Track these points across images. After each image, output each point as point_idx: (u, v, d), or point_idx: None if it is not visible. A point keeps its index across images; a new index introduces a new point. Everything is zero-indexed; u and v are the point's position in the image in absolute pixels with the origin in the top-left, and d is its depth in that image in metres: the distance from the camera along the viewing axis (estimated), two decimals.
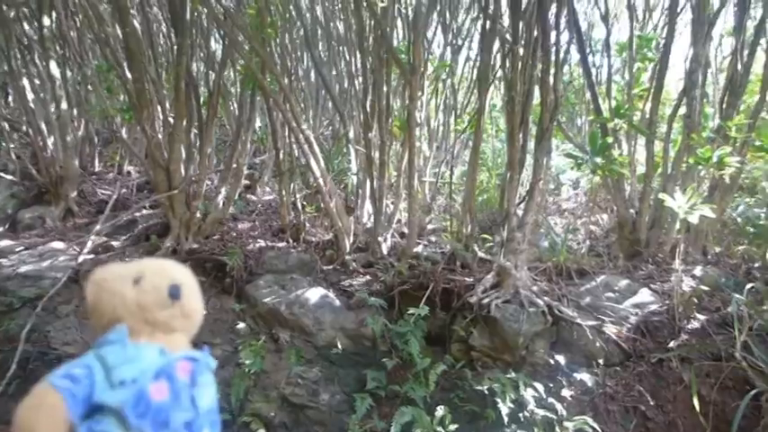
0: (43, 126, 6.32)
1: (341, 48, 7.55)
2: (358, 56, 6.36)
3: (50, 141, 6.38)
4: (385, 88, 5.16)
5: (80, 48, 6.88)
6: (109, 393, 1.17)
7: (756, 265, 4.96)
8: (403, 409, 3.78)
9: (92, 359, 1.21)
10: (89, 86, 7.15)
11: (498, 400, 3.76)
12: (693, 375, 3.72)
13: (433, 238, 5.73)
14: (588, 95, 5.75)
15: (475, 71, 6.29)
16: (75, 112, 6.95)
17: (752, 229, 5.57)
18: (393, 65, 5.16)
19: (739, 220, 5.86)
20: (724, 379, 3.71)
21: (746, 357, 3.72)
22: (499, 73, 5.43)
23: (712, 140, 4.66)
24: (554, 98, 4.48)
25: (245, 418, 3.90)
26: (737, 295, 4.07)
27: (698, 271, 4.80)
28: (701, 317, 4.24)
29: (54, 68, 6.29)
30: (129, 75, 4.97)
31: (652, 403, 3.76)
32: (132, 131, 7.52)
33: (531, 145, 4.72)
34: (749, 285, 4.25)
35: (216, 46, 7.37)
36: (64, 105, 6.33)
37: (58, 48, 6.65)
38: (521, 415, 3.77)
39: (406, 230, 5.39)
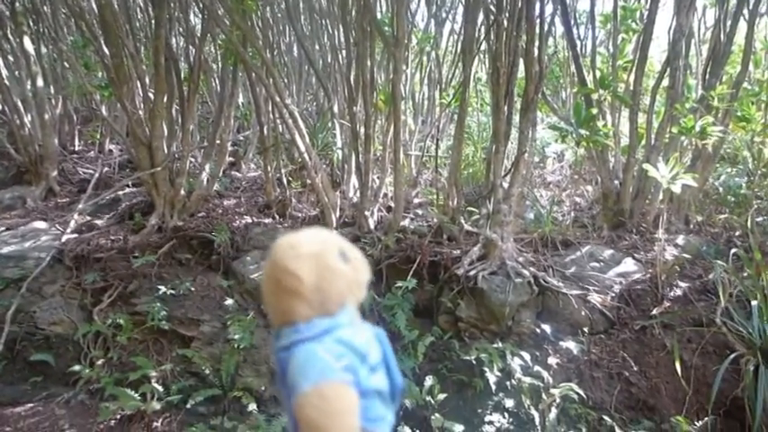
0: (20, 104, 6.17)
1: (324, 21, 7.41)
2: (341, 29, 6.26)
3: (27, 120, 6.23)
4: (369, 61, 5.10)
5: (54, 22, 6.69)
6: (372, 379, 1.14)
7: (737, 233, 5.05)
8: None
9: (341, 347, 1.10)
10: (65, 63, 6.98)
11: (486, 369, 3.82)
12: (675, 341, 3.80)
13: (419, 212, 5.74)
14: (573, 67, 5.74)
15: (459, 44, 6.23)
16: (51, 89, 6.79)
17: (733, 198, 5.66)
18: (377, 37, 5.09)
19: (721, 189, 5.95)
20: (705, 344, 3.81)
21: (727, 323, 3.82)
22: (484, 45, 5.40)
23: (695, 110, 4.69)
24: (539, 70, 4.47)
25: (236, 392, 3.93)
26: (719, 262, 4.16)
27: (680, 240, 4.88)
28: (683, 284, 4.32)
29: (28, 44, 6.11)
30: (106, 50, 4.85)
31: (635, 369, 3.85)
32: (112, 109, 7.36)
33: (517, 118, 4.72)
34: (730, 253, 4.34)
35: (195, 20, 7.21)
36: (40, 82, 6.16)
37: (31, 23, 6.45)
38: (508, 383, 3.84)
39: (392, 204, 5.39)
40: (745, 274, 4.13)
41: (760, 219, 5.23)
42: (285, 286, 1.12)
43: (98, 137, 7.47)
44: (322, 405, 1.02)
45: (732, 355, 3.58)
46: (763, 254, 4.09)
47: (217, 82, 6.80)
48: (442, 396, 3.80)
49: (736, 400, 3.50)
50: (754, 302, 3.75)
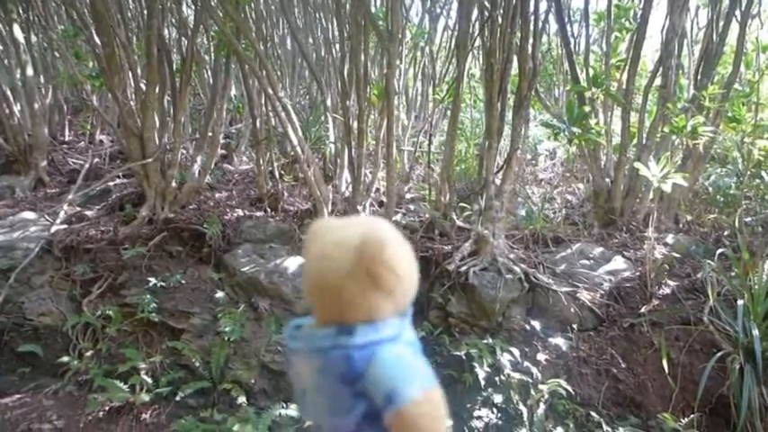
0: (9, 93, 6.09)
1: (317, 14, 7.38)
2: (335, 22, 6.23)
3: (17, 109, 6.15)
4: (362, 56, 5.08)
5: (44, 10, 6.60)
6: None
7: (726, 233, 5.10)
8: None
9: (411, 349, 1.08)
10: (56, 52, 6.89)
11: (476, 364, 3.84)
12: (663, 339, 3.84)
13: (411, 207, 5.75)
14: (566, 65, 5.76)
15: (453, 39, 6.23)
16: (41, 78, 6.71)
17: (722, 198, 5.72)
18: (371, 31, 5.07)
19: (710, 189, 6.00)
20: (692, 342, 3.85)
21: (714, 321, 3.86)
22: (478, 42, 5.40)
23: (686, 110, 4.72)
24: (532, 66, 4.48)
25: (226, 385, 3.92)
26: (708, 261, 4.20)
27: (670, 239, 4.93)
28: (672, 283, 4.36)
29: (17, 32, 6.02)
30: (97, 39, 4.80)
31: (623, 366, 3.89)
32: (103, 99, 7.29)
33: (510, 115, 4.73)
34: (718, 252, 4.38)
35: (188, 11, 7.15)
36: (30, 71, 6.08)
37: (20, 10, 6.36)
38: (497, 379, 3.86)
39: (384, 199, 5.39)
40: (733, 274, 4.17)
41: (748, 219, 5.29)
42: (384, 286, 1.05)
43: (89, 127, 7.40)
44: (434, 412, 1.00)
45: (718, 354, 3.62)
46: (751, 254, 4.14)
47: (209, 74, 6.76)
48: None
49: (721, 398, 3.55)
50: (740, 301, 3.79)
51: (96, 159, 6.59)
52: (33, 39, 6.56)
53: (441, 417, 1.00)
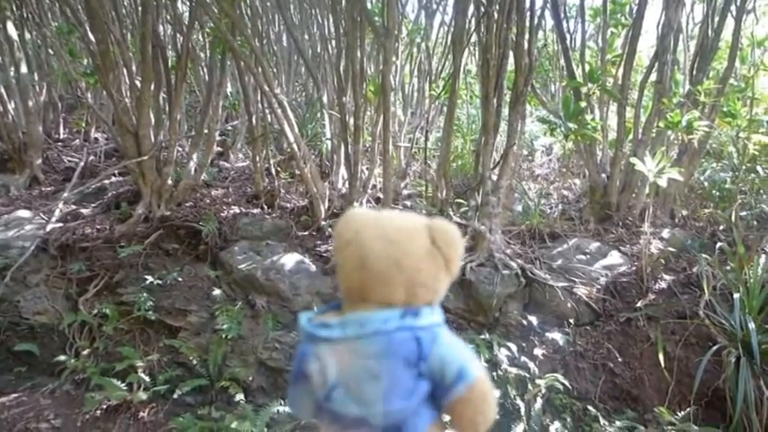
0: (2, 90, 6.06)
1: (313, 10, 7.35)
2: (331, 18, 6.21)
3: (11, 107, 6.12)
4: (359, 52, 5.07)
5: (38, 7, 6.56)
6: None
7: (721, 227, 5.12)
8: None
9: None
10: (50, 49, 6.86)
11: None
12: (659, 333, 3.86)
13: (408, 203, 5.74)
14: (562, 61, 5.76)
15: (449, 35, 6.22)
16: (36, 76, 6.67)
17: (717, 193, 5.74)
18: (367, 27, 5.06)
19: (706, 183, 6.02)
20: (688, 336, 3.87)
21: (710, 315, 3.88)
22: (474, 37, 5.39)
23: (682, 105, 4.73)
24: (528, 62, 4.48)
25: (224, 382, 3.92)
26: (703, 255, 4.21)
27: (665, 233, 4.95)
28: (668, 277, 4.38)
29: (11, 30, 5.99)
30: (91, 36, 4.77)
31: (620, 360, 3.90)
32: (98, 96, 7.26)
33: (506, 110, 4.74)
34: (714, 246, 4.40)
35: (183, 7, 7.12)
36: (24, 69, 6.05)
37: (14, 8, 6.32)
38: (494, 374, 3.87)
39: (381, 195, 5.38)
40: (729, 268, 4.19)
41: (744, 213, 5.31)
42: (453, 270, 1.13)
43: (83, 125, 7.37)
44: (491, 388, 1.11)
45: (714, 347, 3.64)
46: (747, 247, 4.16)
47: (205, 71, 6.74)
48: None
49: (717, 391, 3.57)
50: (736, 295, 3.81)
51: (91, 157, 6.57)
52: (27, 36, 6.51)
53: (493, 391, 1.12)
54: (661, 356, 3.73)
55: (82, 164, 6.17)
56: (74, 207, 5.37)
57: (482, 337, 4.01)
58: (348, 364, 1.07)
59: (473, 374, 1.06)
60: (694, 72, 5.14)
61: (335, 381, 1.08)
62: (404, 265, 1.08)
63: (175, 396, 3.84)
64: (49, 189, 5.97)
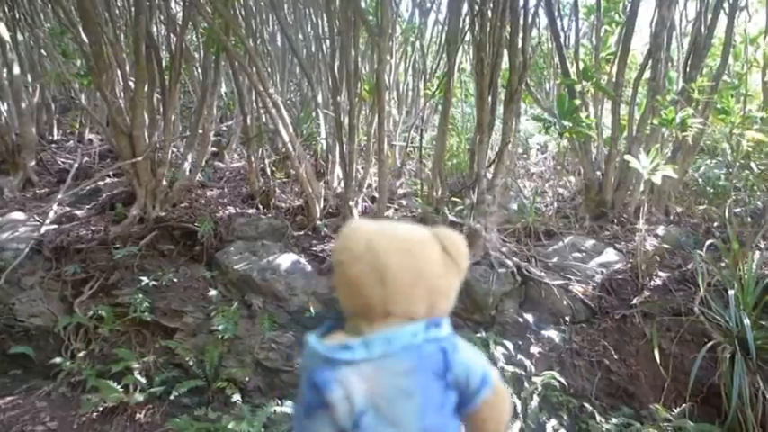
0: None
1: (307, 9, 7.34)
2: (325, 18, 6.20)
3: (4, 108, 6.09)
4: (353, 51, 5.07)
5: (31, 8, 6.53)
6: None
7: (716, 224, 5.14)
8: None
9: None
10: (43, 50, 6.82)
11: None
12: (655, 330, 3.87)
13: (403, 202, 5.75)
14: (556, 59, 5.77)
15: (444, 34, 6.22)
16: (29, 77, 6.64)
17: (712, 190, 5.76)
18: (361, 27, 5.06)
19: (700, 180, 6.04)
20: (683, 333, 3.89)
21: (704, 312, 3.89)
22: (468, 36, 5.39)
23: (676, 102, 4.75)
24: (522, 60, 4.49)
25: (220, 383, 3.91)
26: (698, 252, 4.23)
27: (660, 230, 4.96)
28: (663, 274, 4.40)
29: (3, 31, 5.96)
30: (84, 37, 4.75)
31: (616, 357, 3.92)
32: (92, 97, 7.23)
33: (501, 109, 4.74)
34: (708, 243, 4.42)
35: (177, 7, 7.09)
36: (16, 70, 6.02)
37: (6, 8, 6.29)
38: None
39: (376, 195, 5.38)
40: (723, 264, 4.21)
41: (738, 210, 5.33)
42: (462, 275, 1.14)
43: (77, 126, 7.34)
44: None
45: (709, 344, 3.65)
46: (741, 244, 4.18)
47: (199, 71, 6.72)
48: None
49: (712, 387, 3.58)
50: (731, 291, 3.83)
51: (86, 158, 6.54)
52: (20, 37, 6.49)
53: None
54: (656, 353, 3.75)
55: (76, 165, 6.15)
56: (68, 209, 5.35)
57: (478, 335, 4.01)
58: (377, 385, 1.00)
59: (492, 379, 1.10)
60: (688, 69, 5.16)
61: (364, 406, 0.99)
62: (426, 276, 1.05)
63: (172, 397, 3.83)
64: (43, 191, 5.94)
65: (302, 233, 5.05)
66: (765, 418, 3.36)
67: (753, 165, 5.42)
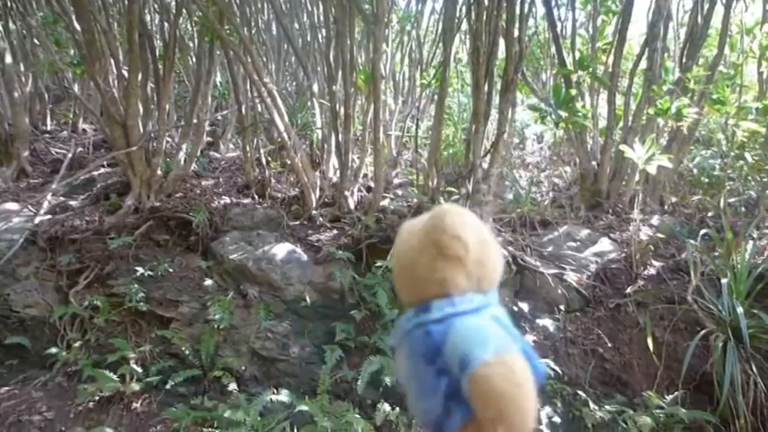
0: None
1: None
2: (320, 6, 6.16)
3: None
4: (349, 40, 5.04)
5: None
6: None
7: (710, 213, 5.17)
8: (372, 358, 3.87)
9: (498, 325, 1.03)
10: (35, 39, 6.76)
11: None
12: (648, 319, 3.90)
13: (399, 192, 5.75)
14: (553, 49, 5.75)
15: (440, 23, 6.19)
16: (21, 66, 6.58)
17: (706, 180, 5.78)
18: (357, 15, 5.03)
19: (695, 171, 6.06)
20: (676, 321, 3.92)
21: (698, 300, 3.92)
22: (465, 26, 5.37)
23: (672, 92, 4.75)
24: (519, 49, 4.47)
25: (216, 372, 3.93)
26: (692, 241, 4.25)
27: (655, 220, 4.98)
28: (657, 263, 4.42)
29: None
30: (77, 26, 4.71)
31: (610, 346, 3.95)
32: (85, 87, 7.18)
33: (497, 98, 4.73)
34: (702, 232, 4.44)
35: None
36: (8, 59, 5.96)
37: None
38: None
39: (372, 184, 5.38)
40: (716, 254, 4.23)
41: (732, 200, 5.36)
42: (449, 253, 1.05)
43: (71, 116, 7.29)
44: (509, 374, 0.93)
45: (702, 332, 3.68)
46: (734, 233, 4.20)
47: (193, 60, 6.67)
48: None
49: (705, 375, 3.62)
50: (724, 280, 3.85)
51: (79, 148, 6.51)
52: (12, 26, 6.42)
53: (520, 382, 0.93)
54: (650, 341, 3.78)
55: (70, 155, 6.12)
56: (62, 199, 5.33)
57: None
58: (398, 368, 1.13)
59: (473, 364, 0.94)
60: (684, 59, 5.16)
61: (405, 385, 1.12)
62: (403, 264, 1.10)
63: (168, 386, 3.84)
64: (36, 181, 5.91)
65: (298, 223, 5.05)
66: (756, 405, 3.39)
67: (747, 155, 5.43)
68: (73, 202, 5.25)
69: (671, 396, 3.52)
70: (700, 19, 5.11)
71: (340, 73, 5.10)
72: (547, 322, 4.11)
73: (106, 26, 4.99)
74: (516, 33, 4.46)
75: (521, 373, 0.94)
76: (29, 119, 6.47)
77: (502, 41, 4.56)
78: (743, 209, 5.26)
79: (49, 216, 4.91)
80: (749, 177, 5.53)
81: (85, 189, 5.58)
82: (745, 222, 4.64)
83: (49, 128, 7.19)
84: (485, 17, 4.41)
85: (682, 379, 3.58)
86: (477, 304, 1.04)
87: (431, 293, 1.06)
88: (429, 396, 1.03)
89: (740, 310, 3.61)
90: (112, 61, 5.10)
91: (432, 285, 1.06)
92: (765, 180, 5.13)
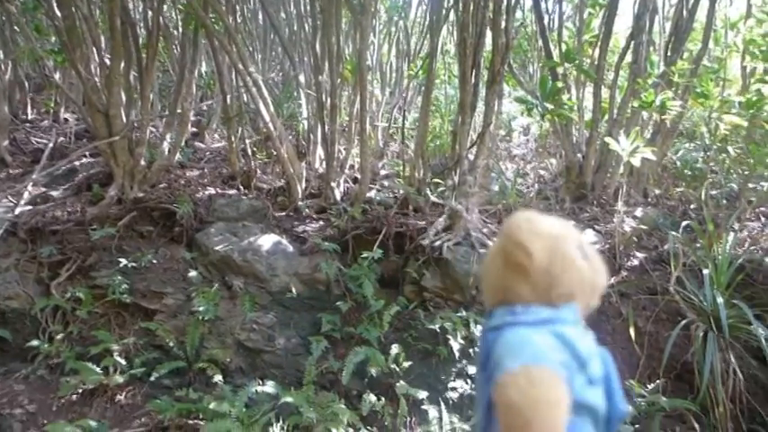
0: None
1: None
2: None
3: None
4: (335, 30, 5.00)
5: None
6: (589, 392, 0.99)
7: (692, 206, 5.23)
8: (357, 349, 3.87)
9: (559, 342, 0.97)
10: (15, 26, 6.61)
11: (450, 337, 3.90)
12: (631, 309, 3.95)
13: (385, 183, 5.74)
14: (540, 41, 5.76)
15: (428, 15, 6.16)
16: (1, 54, 6.44)
17: (689, 172, 5.84)
18: (343, 5, 4.99)
19: (678, 163, 6.12)
20: (658, 311, 3.97)
21: (679, 291, 3.98)
22: (452, 17, 5.35)
23: (656, 85, 4.78)
24: (505, 41, 4.47)
25: (201, 364, 3.91)
26: (674, 233, 4.30)
27: (638, 212, 5.03)
28: (640, 255, 4.47)
29: None
30: (58, 12, 4.61)
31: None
32: (67, 76, 7.04)
33: (484, 92, 4.73)
34: (684, 224, 4.49)
35: None
36: None
37: None
38: (471, 351, 3.93)
39: (358, 176, 5.37)
40: (698, 245, 4.29)
41: (714, 192, 5.42)
42: (513, 261, 1.03)
43: (52, 105, 7.16)
44: (529, 389, 0.89)
45: (683, 322, 3.74)
46: (716, 225, 4.26)
47: (178, 49, 6.58)
48: (407, 364, 3.87)
49: (686, 364, 3.68)
50: (705, 271, 3.91)
51: (61, 138, 6.40)
52: None
53: (539, 400, 0.88)
54: (632, 331, 3.82)
55: (51, 145, 6.01)
56: (43, 189, 5.24)
57: (459, 314, 4.06)
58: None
59: (499, 373, 0.92)
60: (669, 53, 5.19)
61: None
62: (483, 268, 1.15)
63: (152, 379, 3.81)
64: (17, 171, 5.80)
65: (284, 214, 5.02)
66: (735, 393, 3.46)
67: (729, 148, 5.49)
68: (54, 193, 5.17)
69: (652, 385, 3.57)
70: (685, 13, 5.15)
71: (326, 63, 5.07)
72: None
73: (87, 13, 4.89)
74: (503, 25, 4.45)
75: (542, 390, 0.89)
76: (8, 108, 6.33)
77: (489, 33, 4.57)
78: (724, 201, 5.33)
79: (30, 207, 4.82)
80: (731, 170, 5.60)
81: (67, 179, 5.49)
82: (727, 214, 4.70)
83: (29, 117, 7.05)
84: (472, 8, 4.40)
85: (663, 368, 3.64)
86: (540, 317, 1.01)
87: (497, 300, 1.07)
88: (479, 404, 1.03)
89: (720, 300, 3.67)
90: (94, 49, 5.01)
91: (498, 292, 1.07)
92: (747, 173, 5.19)
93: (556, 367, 0.92)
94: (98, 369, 3.78)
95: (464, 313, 4.07)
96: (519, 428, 0.88)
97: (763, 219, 5.01)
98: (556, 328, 0.99)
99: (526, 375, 0.90)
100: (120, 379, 3.78)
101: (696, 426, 3.45)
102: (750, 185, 5.15)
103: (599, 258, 1.10)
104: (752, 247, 4.37)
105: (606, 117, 5.27)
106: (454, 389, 3.81)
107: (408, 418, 3.68)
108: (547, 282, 1.02)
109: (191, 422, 3.54)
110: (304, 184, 5.20)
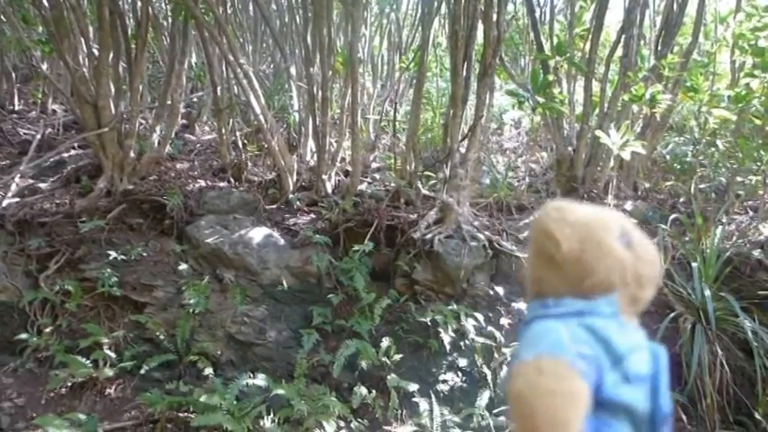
0: None
1: None
2: None
3: None
4: (326, 22, 4.96)
5: None
6: (624, 390, 0.93)
7: (681, 199, 5.27)
8: (348, 342, 3.88)
9: (589, 335, 0.92)
10: (1, 16, 6.51)
11: (441, 330, 3.92)
12: None
13: (377, 176, 5.73)
14: (531, 35, 5.76)
15: (419, 7, 6.14)
16: None
17: (678, 166, 5.88)
18: None
19: (668, 157, 6.16)
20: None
21: (668, 284, 4.01)
22: (444, 10, 5.34)
23: (647, 79, 4.80)
24: (497, 34, 4.46)
25: (192, 357, 3.89)
26: (663, 226, 4.34)
27: (628, 205, 5.06)
28: None
29: None
30: (45, 1, 4.55)
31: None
32: (55, 66, 6.95)
33: (475, 85, 4.73)
34: (673, 217, 4.53)
35: None
36: None
37: None
38: (462, 343, 3.95)
39: (350, 168, 5.35)
40: (687, 238, 4.33)
41: (703, 186, 5.47)
42: (542, 251, 1.01)
43: (40, 96, 7.06)
44: (536, 378, 0.86)
45: (672, 314, 3.78)
46: (705, 219, 4.30)
47: (168, 40, 6.51)
48: (398, 357, 3.88)
49: (674, 357, 3.71)
50: (694, 264, 3.95)
51: (49, 129, 6.32)
52: None
53: (546, 393, 0.85)
54: None
55: (39, 136, 5.93)
56: (31, 181, 5.18)
57: (450, 307, 4.07)
58: None
59: (518, 359, 0.91)
60: (659, 47, 5.21)
61: None
62: (525, 259, 1.15)
63: (142, 372, 3.80)
64: (4, 163, 5.72)
65: (275, 207, 5.00)
66: (722, 385, 3.50)
67: (718, 142, 5.53)
68: (42, 185, 5.11)
69: None
70: (675, 7, 5.16)
71: (318, 55, 5.04)
72: (522, 306, 4.16)
73: (75, 2, 4.83)
74: (495, 18, 4.45)
75: (549, 380, 0.86)
76: None
77: (480, 26, 4.56)
78: (713, 195, 5.37)
79: (18, 199, 4.77)
80: (720, 164, 5.64)
81: (55, 171, 5.43)
82: (715, 208, 4.74)
83: (16, 108, 6.96)
84: (463, 1, 4.39)
85: None
86: (571, 309, 0.97)
87: (534, 293, 1.05)
88: None
89: (708, 293, 3.71)
90: (82, 39, 4.95)
91: (534, 285, 1.05)
92: (735, 167, 5.24)
93: (573, 359, 0.88)
94: (87, 362, 3.76)
95: (455, 306, 4.09)
96: (525, 418, 0.87)
97: (750, 212, 5.05)
98: (588, 320, 0.95)
99: (536, 365, 0.88)
100: (109, 372, 3.76)
101: (683, 417, 3.50)
102: (738, 179, 5.19)
103: (650, 247, 1.05)
104: (739, 241, 4.41)
105: (597, 110, 5.29)
106: (445, 381, 3.83)
107: (399, 411, 3.69)
108: (579, 272, 0.98)
109: (181, 415, 3.54)
110: (295, 177, 5.18)
